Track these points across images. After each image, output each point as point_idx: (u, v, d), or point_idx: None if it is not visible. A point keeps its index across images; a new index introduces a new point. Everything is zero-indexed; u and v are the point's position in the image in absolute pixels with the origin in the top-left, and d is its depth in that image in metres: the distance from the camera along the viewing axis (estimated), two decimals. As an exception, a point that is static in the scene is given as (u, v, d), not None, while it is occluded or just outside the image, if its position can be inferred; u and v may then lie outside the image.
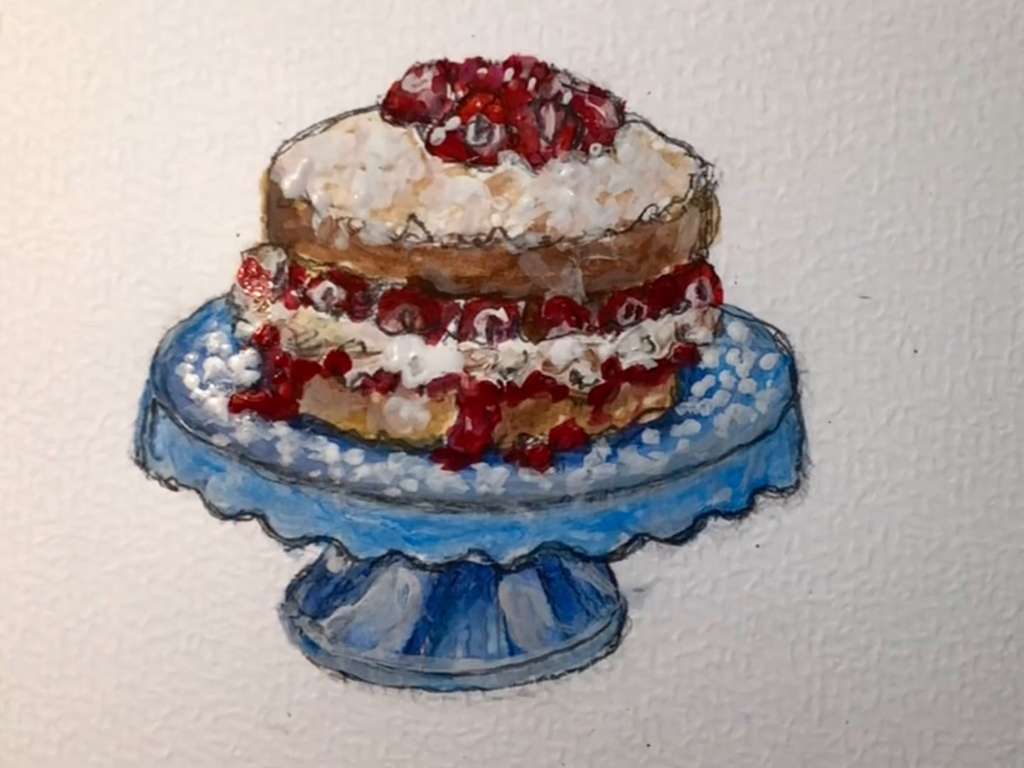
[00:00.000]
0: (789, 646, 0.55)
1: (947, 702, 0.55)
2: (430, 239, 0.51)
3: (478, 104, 0.52)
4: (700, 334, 0.54)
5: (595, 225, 0.51)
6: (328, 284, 0.52)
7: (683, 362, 0.54)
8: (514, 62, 0.53)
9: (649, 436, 0.53)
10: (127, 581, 0.55)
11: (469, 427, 0.52)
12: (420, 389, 0.52)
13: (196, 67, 0.54)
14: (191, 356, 0.54)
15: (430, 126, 0.52)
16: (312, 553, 0.54)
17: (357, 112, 0.54)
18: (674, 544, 0.54)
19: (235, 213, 0.54)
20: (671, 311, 0.53)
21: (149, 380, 0.54)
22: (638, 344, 0.53)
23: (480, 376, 0.52)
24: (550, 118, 0.52)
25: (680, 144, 0.54)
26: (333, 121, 0.54)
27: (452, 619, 0.54)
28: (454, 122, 0.52)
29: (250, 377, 0.54)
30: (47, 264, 0.54)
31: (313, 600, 0.55)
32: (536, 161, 0.52)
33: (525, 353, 0.52)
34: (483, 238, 0.51)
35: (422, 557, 0.52)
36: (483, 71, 0.53)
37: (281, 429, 0.53)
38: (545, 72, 0.53)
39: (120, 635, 0.55)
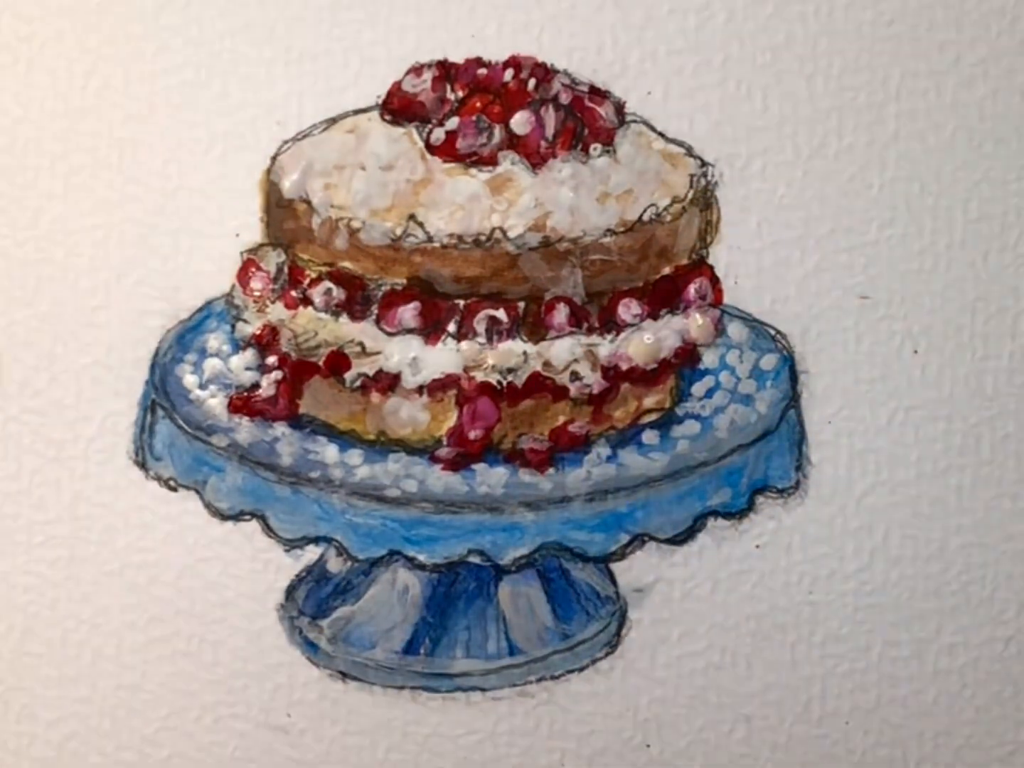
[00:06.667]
0: (789, 647, 0.55)
1: (947, 703, 0.55)
2: (430, 239, 0.51)
3: (478, 104, 0.52)
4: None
5: (595, 225, 0.51)
6: (328, 284, 0.52)
7: (683, 362, 0.54)
8: (514, 62, 0.53)
9: (649, 436, 0.53)
10: (126, 582, 0.55)
11: (468, 429, 0.52)
12: (420, 389, 0.52)
13: (196, 67, 0.54)
14: (190, 356, 0.54)
15: (430, 126, 0.52)
16: (312, 553, 0.54)
17: (357, 112, 0.54)
18: (674, 544, 0.54)
19: (235, 213, 0.54)
20: (671, 311, 0.53)
21: (148, 380, 0.54)
22: (638, 344, 0.53)
23: (480, 376, 0.52)
24: (550, 118, 0.52)
25: (680, 144, 0.54)
26: (333, 121, 0.54)
27: (452, 619, 0.54)
28: (454, 122, 0.52)
29: (250, 378, 0.54)
30: (46, 264, 0.54)
31: (313, 600, 0.55)
32: (536, 161, 0.52)
33: (525, 353, 0.52)
34: (483, 238, 0.51)
35: (422, 557, 0.52)
36: (483, 71, 0.53)
37: (281, 429, 0.53)
38: (545, 72, 0.53)
39: (119, 636, 0.55)
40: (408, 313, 0.51)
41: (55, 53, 0.54)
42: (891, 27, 0.54)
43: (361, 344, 0.52)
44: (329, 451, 0.53)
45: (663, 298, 0.53)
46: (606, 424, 0.53)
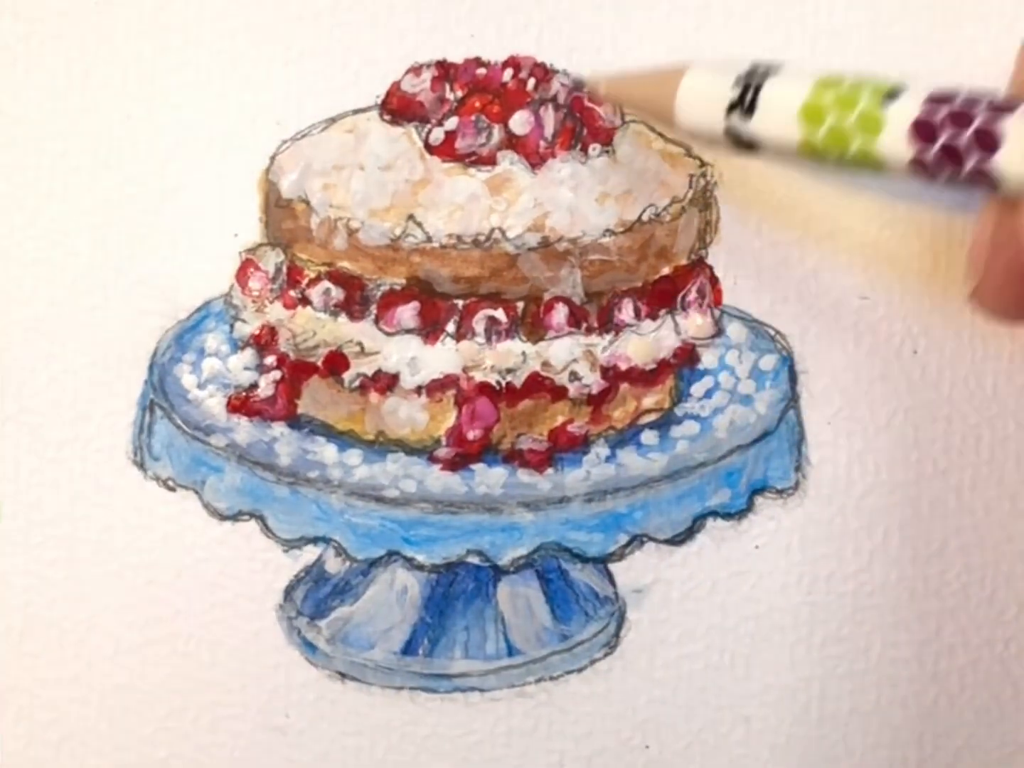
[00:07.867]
0: (788, 647, 0.55)
1: (947, 704, 0.55)
2: (429, 239, 0.51)
3: (477, 104, 0.52)
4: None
5: (594, 225, 0.51)
6: (326, 284, 0.52)
7: (682, 363, 0.54)
8: (513, 62, 0.53)
9: (648, 437, 0.53)
10: (125, 582, 0.54)
11: (466, 429, 0.52)
12: (418, 390, 0.52)
13: (195, 67, 0.54)
14: (189, 356, 0.54)
15: (429, 126, 0.52)
16: (310, 554, 0.54)
17: (356, 112, 0.54)
18: (673, 545, 0.54)
19: (233, 213, 0.54)
20: (670, 311, 0.53)
21: (147, 380, 0.54)
22: (637, 344, 0.53)
23: (479, 377, 0.52)
24: (549, 118, 0.52)
25: (679, 144, 0.54)
26: (332, 121, 0.54)
27: (450, 620, 0.54)
28: (453, 122, 0.52)
29: (248, 378, 0.54)
30: (45, 264, 0.54)
31: (311, 601, 0.55)
32: (535, 161, 0.52)
33: (524, 354, 0.52)
34: (482, 238, 0.51)
35: (420, 558, 0.52)
36: (482, 71, 0.53)
37: (279, 429, 0.53)
38: (544, 72, 0.53)
39: (117, 636, 0.55)
40: (407, 313, 0.51)
41: (55, 53, 0.54)
42: (891, 27, 0.54)
43: (360, 344, 0.52)
44: (328, 451, 0.53)
45: (662, 298, 0.53)
46: (605, 424, 0.53)
